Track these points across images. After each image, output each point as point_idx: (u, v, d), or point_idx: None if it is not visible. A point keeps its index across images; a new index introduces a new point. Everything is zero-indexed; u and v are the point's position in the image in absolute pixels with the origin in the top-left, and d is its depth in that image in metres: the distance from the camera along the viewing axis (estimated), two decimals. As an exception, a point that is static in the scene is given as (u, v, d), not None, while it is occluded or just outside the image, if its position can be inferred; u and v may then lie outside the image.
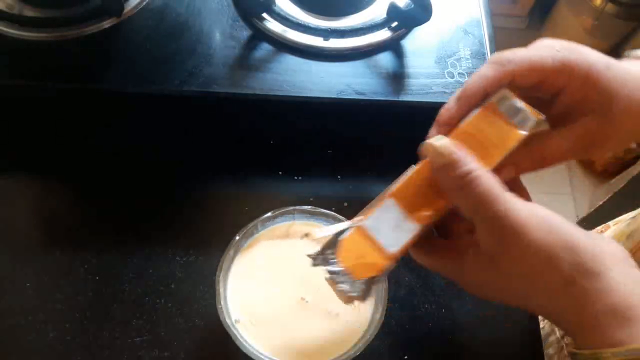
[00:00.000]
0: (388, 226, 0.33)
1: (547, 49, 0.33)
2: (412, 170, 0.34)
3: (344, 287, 0.34)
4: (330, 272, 0.35)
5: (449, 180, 0.31)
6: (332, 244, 0.35)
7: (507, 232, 0.29)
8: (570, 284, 0.29)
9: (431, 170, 0.32)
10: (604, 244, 0.30)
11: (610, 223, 0.61)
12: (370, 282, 0.35)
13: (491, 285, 0.32)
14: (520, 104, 0.32)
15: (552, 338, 0.55)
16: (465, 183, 0.30)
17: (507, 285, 0.31)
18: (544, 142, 0.33)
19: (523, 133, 0.32)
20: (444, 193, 0.32)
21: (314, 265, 0.36)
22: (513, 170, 0.33)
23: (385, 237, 0.33)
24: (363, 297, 0.35)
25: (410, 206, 0.33)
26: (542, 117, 0.32)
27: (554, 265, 0.29)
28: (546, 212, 0.30)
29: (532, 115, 0.32)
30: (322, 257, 0.35)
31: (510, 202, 0.29)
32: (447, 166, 0.30)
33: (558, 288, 0.29)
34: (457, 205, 0.32)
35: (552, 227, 0.29)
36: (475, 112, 0.33)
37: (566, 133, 0.33)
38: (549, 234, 0.29)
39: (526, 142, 0.33)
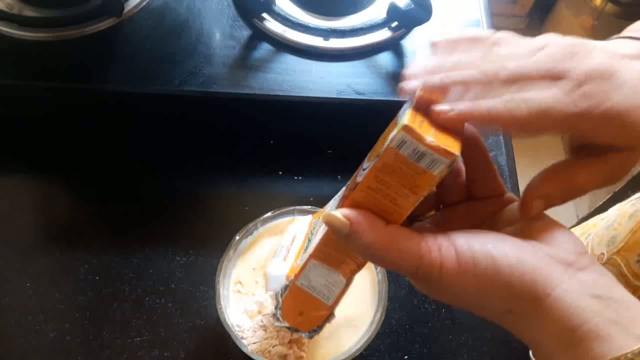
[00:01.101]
0: (319, 282, 0.34)
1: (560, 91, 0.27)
2: (325, 229, 0.32)
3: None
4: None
5: (356, 249, 0.30)
6: (278, 302, 0.36)
7: (438, 280, 0.28)
8: (507, 312, 0.28)
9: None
10: (543, 262, 0.27)
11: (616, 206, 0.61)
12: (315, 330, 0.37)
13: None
14: (422, 147, 0.26)
15: None
16: (372, 253, 0.28)
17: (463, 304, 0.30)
18: (574, 175, 0.30)
19: (435, 175, 0.27)
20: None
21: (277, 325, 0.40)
22: (543, 204, 0.30)
23: (319, 293, 0.34)
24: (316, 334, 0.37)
25: (332, 262, 0.33)
26: (456, 154, 0.26)
27: (487, 302, 0.28)
28: (470, 245, 0.28)
29: (441, 156, 0.26)
30: (275, 316, 0.37)
31: (430, 251, 0.28)
32: (348, 238, 0.28)
33: (499, 316, 0.29)
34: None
35: (477, 268, 0.27)
36: (372, 163, 0.28)
37: (598, 167, 0.30)
38: (474, 276, 0.27)
39: (556, 172, 0.30)
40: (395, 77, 0.52)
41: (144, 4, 0.55)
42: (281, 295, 0.36)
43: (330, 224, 0.29)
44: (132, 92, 0.51)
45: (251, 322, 0.43)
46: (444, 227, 0.32)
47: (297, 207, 0.47)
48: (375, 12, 0.56)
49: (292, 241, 0.39)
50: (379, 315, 0.43)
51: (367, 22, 0.54)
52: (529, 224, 0.30)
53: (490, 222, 0.32)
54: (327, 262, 0.33)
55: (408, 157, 0.27)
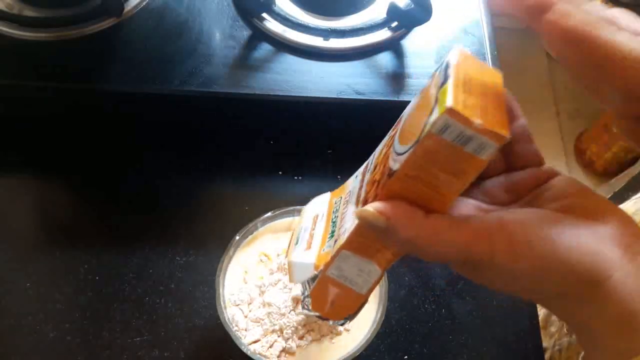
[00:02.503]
0: (352, 272, 0.31)
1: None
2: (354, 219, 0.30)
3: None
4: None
5: (396, 245, 0.28)
6: (306, 291, 0.34)
7: (482, 267, 0.26)
8: (560, 296, 0.27)
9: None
10: (602, 244, 0.26)
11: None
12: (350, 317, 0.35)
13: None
14: (469, 130, 0.23)
15: (554, 317, 0.55)
16: (413, 248, 0.26)
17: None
18: None
19: (484, 160, 0.24)
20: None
21: (300, 313, 0.37)
22: None
23: (352, 282, 0.32)
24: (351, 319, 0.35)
25: (366, 252, 0.30)
26: (506, 136, 0.24)
27: (540, 287, 0.27)
28: (524, 228, 0.26)
29: (491, 140, 0.24)
30: (304, 303, 0.35)
31: (476, 244, 0.26)
32: (385, 234, 0.27)
33: (549, 300, 0.28)
34: None
35: (533, 252, 0.26)
36: (411, 148, 0.25)
37: None
38: (529, 262, 0.26)
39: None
40: (395, 77, 0.52)
41: (144, 4, 0.55)
42: (309, 285, 0.33)
43: (365, 220, 0.27)
44: (132, 92, 0.51)
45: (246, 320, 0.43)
46: (486, 209, 0.30)
47: (297, 207, 0.47)
48: (375, 12, 0.56)
49: (314, 224, 0.36)
50: (379, 315, 0.43)
51: (367, 22, 0.54)
52: (581, 201, 0.28)
53: (532, 197, 0.30)
54: (360, 253, 0.30)
55: (452, 142, 0.24)
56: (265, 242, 0.47)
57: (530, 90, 1.66)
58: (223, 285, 0.43)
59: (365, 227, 0.28)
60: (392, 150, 0.28)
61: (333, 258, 0.31)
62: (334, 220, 0.34)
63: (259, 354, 0.41)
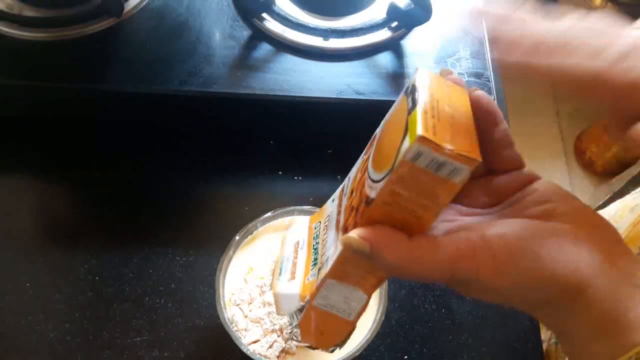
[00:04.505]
0: (338, 300, 0.31)
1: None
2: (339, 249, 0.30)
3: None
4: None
5: (382, 268, 0.29)
6: (293, 322, 0.34)
7: (469, 283, 0.27)
8: (545, 304, 0.27)
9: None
10: (584, 251, 0.27)
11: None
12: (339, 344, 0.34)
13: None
14: (441, 157, 0.24)
15: None
16: (399, 271, 0.27)
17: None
18: None
19: (457, 183, 0.25)
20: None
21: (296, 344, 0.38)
22: None
23: (339, 310, 0.32)
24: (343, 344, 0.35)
25: (351, 280, 0.30)
26: (478, 159, 0.24)
27: (526, 296, 0.27)
28: (507, 243, 0.26)
29: (463, 164, 0.24)
30: (292, 334, 0.35)
31: (461, 262, 0.26)
32: (370, 259, 0.27)
33: (535, 308, 0.28)
34: None
35: (518, 265, 0.26)
36: (387, 177, 0.25)
37: None
38: (515, 274, 0.26)
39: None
40: (395, 77, 0.52)
41: (144, 4, 0.55)
42: (297, 316, 0.33)
43: (349, 246, 0.27)
44: (132, 92, 0.51)
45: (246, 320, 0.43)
46: (466, 213, 0.31)
47: (297, 207, 0.47)
48: (375, 12, 0.56)
49: (295, 252, 0.36)
50: (379, 315, 0.43)
51: (367, 22, 0.54)
52: (561, 206, 0.28)
53: (513, 200, 0.30)
54: (345, 281, 0.30)
55: (425, 168, 0.24)
56: (265, 242, 0.47)
57: (530, 90, 1.66)
58: (223, 285, 0.43)
59: (348, 255, 0.29)
60: (367, 176, 0.28)
61: (318, 288, 0.31)
62: (315, 247, 0.34)
63: (259, 354, 0.41)
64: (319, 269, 0.32)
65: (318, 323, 0.33)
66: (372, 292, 0.31)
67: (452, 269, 0.26)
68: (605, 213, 0.61)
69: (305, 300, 0.32)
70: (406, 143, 0.24)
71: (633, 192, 0.58)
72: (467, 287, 0.28)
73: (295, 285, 0.33)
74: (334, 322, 0.32)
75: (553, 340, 0.54)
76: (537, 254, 0.26)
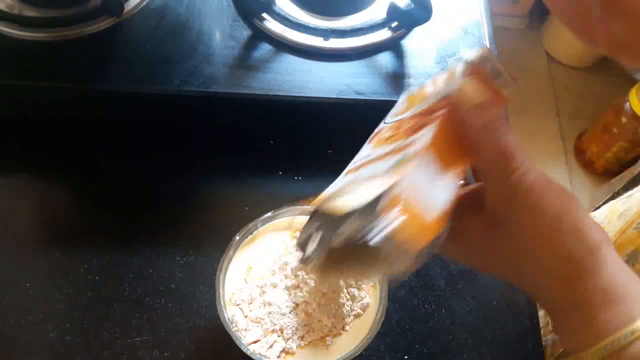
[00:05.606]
0: (426, 186, 0.28)
1: None
2: (431, 126, 0.29)
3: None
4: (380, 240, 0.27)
5: (479, 122, 0.29)
6: (368, 208, 0.28)
7: (519, 189, 0.29)
8: (570, 255, 0.29)
9: (456, 117, 0.29)
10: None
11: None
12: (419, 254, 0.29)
13: (491, 252, 0.32)
14: (498, 65, 0.29)
15: (541, 312, 0.55)
16: (493, 128, 0.29)
17: (507, 251, 0.31)
18: None
19: (506, 97, 0.30)
20: (466, 150, 0.30)
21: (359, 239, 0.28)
22: None
23: (427, 202, 0.28)
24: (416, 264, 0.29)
25: (443, 160, 0.29)
26: (516, 81, 0.30)
27: (557, 228, 0.29)
28: (550, 178, 0.30)
29: (510, 80, 0.30)
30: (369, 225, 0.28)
31: (524, 161, 0.29)
32: (479, 106, 0.29)
33: (559, 256, 0.29)
34: (475, 159, 0.31)
35: (559, 192, 0.29)
36: (463, 66, 0.30)
37: None
38: (557, 198, 0.29)
39: None
40: (395, 77, 0.52)
41: (144, 4, 0.55)
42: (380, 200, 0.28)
43: (463, 89, 0.29)
44: (132, 92, 0.51)
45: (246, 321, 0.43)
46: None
47: (297, 207, 0.47)
48: (375, 12, 0.56)
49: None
50: (378, 315, 0.43)
51: (367, 22, 0.54)
52: None
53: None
54: (440, 158, 0.29)
55: (489, 73, 0.29)
56: (265, 242, 0.47)
57: (530, 90, 1.66)
58: (223, 285, 0.43)
59: (445, 129, 0.29)
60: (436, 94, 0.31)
61: (412, 163, 0.28)
62: (389, 151, 0.31)
63: (259, 354, 0.41)
64: (399, 167, 0.29)
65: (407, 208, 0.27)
66: (462, 179, 0.30)
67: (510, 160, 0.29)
68: (595, 217, 0.61)
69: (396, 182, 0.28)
70: (470, 55, 0.30)
71: (622, 196, 0.58)
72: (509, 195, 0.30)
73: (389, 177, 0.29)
74: (422, 214, 0.28)
75: (543, 344, 0.54)
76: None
